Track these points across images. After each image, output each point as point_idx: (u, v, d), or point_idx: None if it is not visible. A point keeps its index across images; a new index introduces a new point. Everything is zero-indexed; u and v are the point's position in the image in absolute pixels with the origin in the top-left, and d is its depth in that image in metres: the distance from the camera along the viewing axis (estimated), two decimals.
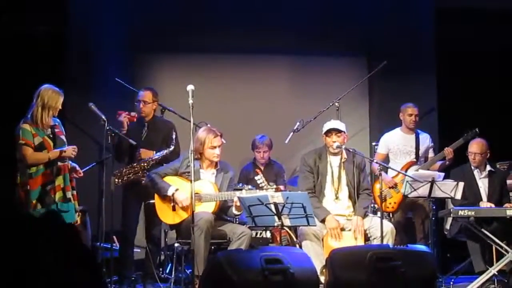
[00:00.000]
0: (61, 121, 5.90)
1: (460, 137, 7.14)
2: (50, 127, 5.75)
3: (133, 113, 6.72)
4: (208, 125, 6.41)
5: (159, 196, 6.01)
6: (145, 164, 6.52)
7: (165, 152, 6.53)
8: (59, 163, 5.70)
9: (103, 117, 6.13)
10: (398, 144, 7.30)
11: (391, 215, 7.08)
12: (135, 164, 6.54)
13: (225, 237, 5.83)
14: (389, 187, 6.99)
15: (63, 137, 5.84)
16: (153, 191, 6.07)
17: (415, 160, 7.24)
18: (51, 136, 5.74)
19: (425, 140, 7.40)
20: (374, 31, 8.36)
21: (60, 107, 5.74)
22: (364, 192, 6.15)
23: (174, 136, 6.56)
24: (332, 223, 5.85)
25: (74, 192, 5.81)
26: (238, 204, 5.67)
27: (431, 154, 7.40)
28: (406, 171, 6.94)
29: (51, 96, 5.67)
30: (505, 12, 8.48)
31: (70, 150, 5.76)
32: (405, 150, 7.28)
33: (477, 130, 7.05)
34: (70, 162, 5.82)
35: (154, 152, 6.62)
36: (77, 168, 5.91)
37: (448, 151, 7.09)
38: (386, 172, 7.08)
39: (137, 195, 6.59)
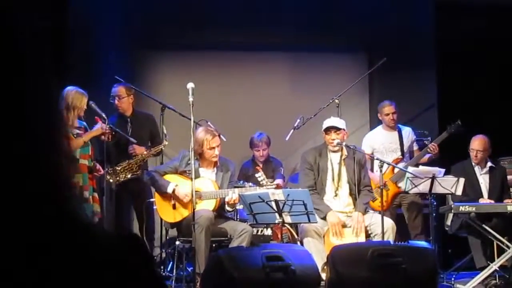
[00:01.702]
0: None
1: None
2: (75, 128, 5.86)
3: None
4: (209, 122, 6.41)
5: (160, 194, 6.02)
6: (140, 160, 6.49)
7: (160, 147, 6.51)
8: (80, 162, 5.75)
9: (104, 115, 6.13)
10: (383, 142, 7.25)
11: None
12: (131, 161, 6.50)
13: (226, 235, 5.84)
14: (378, 187, 6.97)
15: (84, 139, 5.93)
16: (153, 188, 6.09)
17: (401, 157, 7.21)
18: (75, 136, 5.82)
19: (408, 134, 7.37)
20: (374, 27, 8.34)
21: (85, 107, 5.87)
22: (365, 189, 6.15)
23: (164, 130, 6.52)
24: (334, 218, 5.85)
25: (95, 194, 5.88)
26: (231, 202, 5.71)
27: (415, 147, 7.39)
28: (393, 168, 6.93)
29: (75, 96, 5.81)
30: (505, 7, 8.46)
31: (100, 129, 5.94)
32: (391, 148, 7.24)
33: (459, 122, 7.02)
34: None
35: (145, 148, 6.60)
36: (98, 166, 5.99)
37: (433, 147, 7.07)
38: (381, 169, 7.08)
39: (129, 192, 6.59)
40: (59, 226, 0.80)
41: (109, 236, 0.87)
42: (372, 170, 7.02)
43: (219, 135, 6.06)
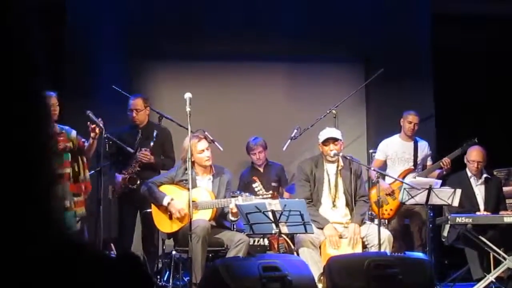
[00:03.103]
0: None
1: (459, 146, 7.12)
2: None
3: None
4: (206, 132, 6.42)
5: (156, 205, 6.02)
6: (134, 167, 6.52)
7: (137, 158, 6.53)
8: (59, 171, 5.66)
9: (101, 124, 6.12)
10: (396, 151, 7.29)
11: (387, 222, 7.08)
12: (128, 170, 6.55)
13: (223, 245, 5.83)
14: (386, 194, 6.99)
15: (67, 144, 5.80)
16: (149, 200, 6.08)
17: (413, 167, 7.23)
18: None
19: (424, 147, 7.39)
20: (371, 37, 8.37)
21: (55, 109, 5.66)
22: (361, 199, 6.15)
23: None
24: (330, 230, 5.84)
25: (75, 199, 5.76)
26: (235, 210, 5.68)
27: (429, 162, 7.39)
28: (403, 178, 6.93)
29: None
30: (502, 18, 8.50)
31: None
32: (403, 157, 7.28)
33: (476, 140, 7.04)
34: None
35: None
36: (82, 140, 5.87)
37: (446, 162, 7.09)
38: (384, 179, 7.08)
39: (132, 202, 6.59)
40: (49, 246, 0.79)
41: (106, 258, 0.85)
42: (383, 178, 7.05)
43: (205, 138, 6.05)
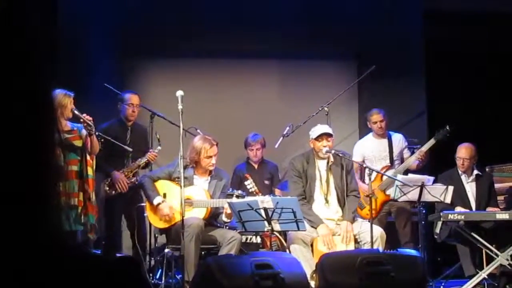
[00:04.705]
0: None
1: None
2: (65, 131, 5.66)
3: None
4: (198, 130, 6.41)
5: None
6: (136, 167, 6.54)
7: (146, 157, 6.53)
8: (68, 168, 5.63)
9: (90, 122, 6.06)
10: (372, 150, 7.25)
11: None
12: (125, 170, 6.56)
13: (215, 243, 5.83)
14: (366, 196, 6.97)
15: (75, 142, 5.76)
16: (143, 194, 6.10)
17: (389, 164, 7.20)
18: (63, 140, 5.61)
19: (399, 141, 7.35)
20: (363, 34, 8.37)
21: (70, 108, 5.68)
22: (352, 194, 6.14)
23: (158, 135, 6.59)
24: (324, 230, 5.84)
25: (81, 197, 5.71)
26: (229, 211, 5.68)
27: (406, 154, 7.35)
28: (381, 176, 6.93)
29: (56, 95, 5.56)
30: (492, 14, 8.52)
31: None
32: (380, 155, 7.22)
33: (447, 128, 7.00)
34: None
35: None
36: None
37: (420, 154, 7.06)
38: (370, 177, 7.08)
39: (121, 199, 6.58)
40: (45, 250, 0.79)
41: (102, 260, 0.85)
42: (361, 179, 7.03)
43: (216, 144, 6.08)
